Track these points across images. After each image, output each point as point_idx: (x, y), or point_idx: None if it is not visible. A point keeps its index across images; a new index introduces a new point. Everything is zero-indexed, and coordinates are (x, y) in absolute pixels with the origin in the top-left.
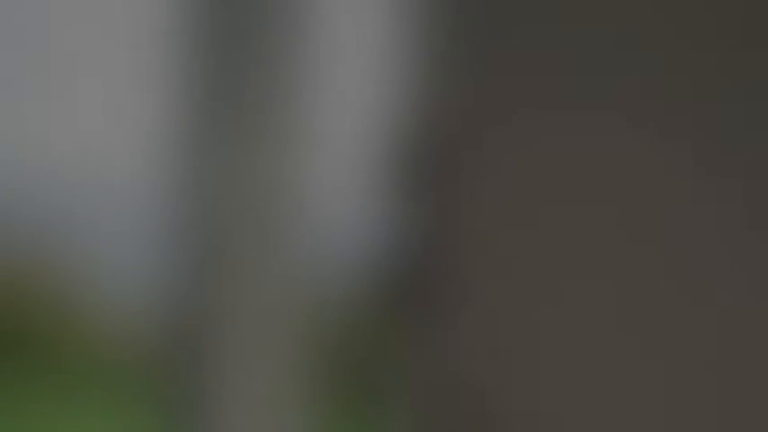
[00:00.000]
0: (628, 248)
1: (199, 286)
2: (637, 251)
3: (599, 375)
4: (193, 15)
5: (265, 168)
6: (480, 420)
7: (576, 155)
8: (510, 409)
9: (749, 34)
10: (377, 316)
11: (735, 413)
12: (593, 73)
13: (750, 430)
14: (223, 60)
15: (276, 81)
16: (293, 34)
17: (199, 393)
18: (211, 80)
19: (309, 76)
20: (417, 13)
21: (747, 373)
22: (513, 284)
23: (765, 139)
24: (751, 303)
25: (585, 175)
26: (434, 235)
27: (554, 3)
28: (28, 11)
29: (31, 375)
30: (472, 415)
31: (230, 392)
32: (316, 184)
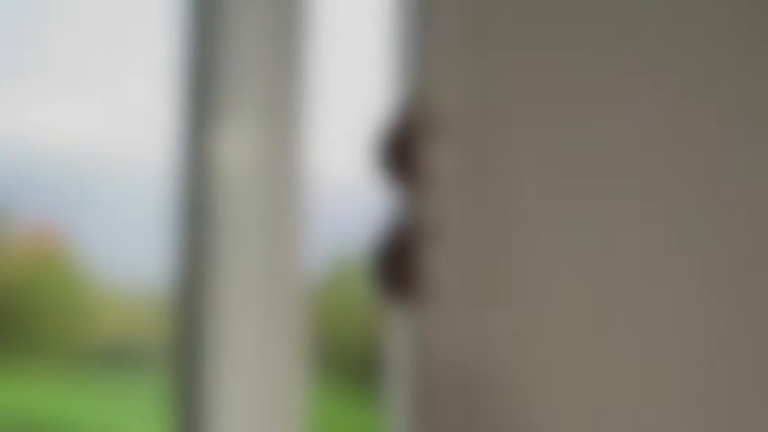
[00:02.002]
0: (615, 237)
1: (200, 270)
2: (626, 243)
3: (587, 352)
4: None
5: (265, 152)
6: (472, 401)
7: (565, 148)
8: (501, 391)
9: (748, 28)
10: (370, 298)
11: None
12: (584, 64)
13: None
14: (226, 51)
15: (278, 68)
16: (294, 19)
17: (200, 378)
18: (214, 69)
19: (309, 62)
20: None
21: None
22: (500, 268)
23: (763, 138)
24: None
25: (573, 169)
26: (418, 217)
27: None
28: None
29: (36, 359)
30: (463, 396)
31: (229, 374)
32: (314, 167)
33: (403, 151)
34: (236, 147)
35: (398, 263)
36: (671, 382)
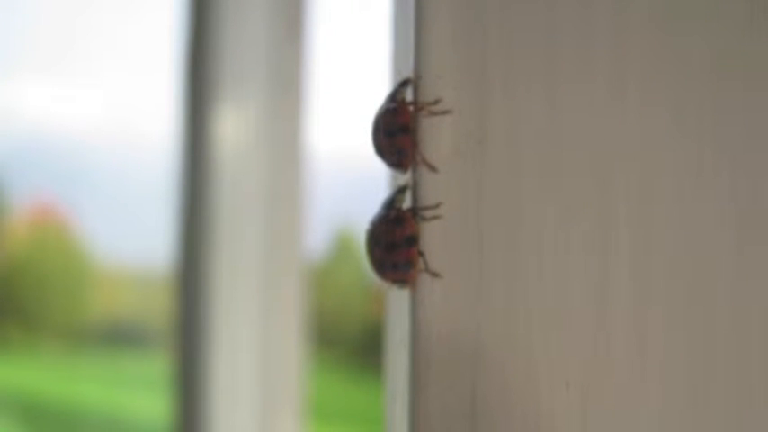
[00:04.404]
0: (609, 221)
1: (201, 249)
2: (619, 226)
3: (580, 334)
4: None
5: (265, 132)
6: (467, 378)
7: (564, 127)
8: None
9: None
10: (369, 276)
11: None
12: (576, 46)
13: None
14: (226, 31)
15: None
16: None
17: (200, 355)
18: (214, 50)
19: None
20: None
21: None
22: (497, 254)
23: (753, 122)
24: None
25: (571, 149)
26: (415, 197)
27: None
28: None
29: (37, 338)
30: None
31: (229, 351)
32: (314, 146)
33: (398, 134)
34: (237, 126)
35: (395, 243)
36: (665, 360)
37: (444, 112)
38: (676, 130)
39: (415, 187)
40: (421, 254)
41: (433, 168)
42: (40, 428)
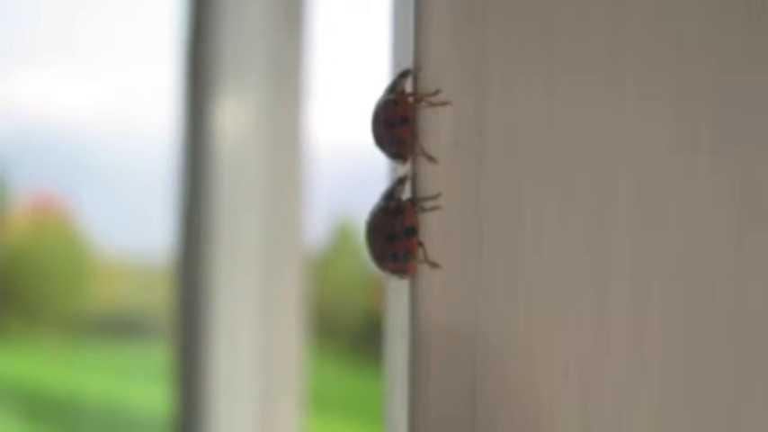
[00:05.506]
0: (608, 210)
1: (201, 239)
2: (617, 214)
3: (579, 325)
4: None
5: (266, 123)
6: (467, 369)
7: (563, 119)
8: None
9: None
10: (368, 267)
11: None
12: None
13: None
14: (227, 21)
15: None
16: None
17: (200, 346)
18: (215, 40)
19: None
20: None
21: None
22: (494, 244)
23: (750, 109)
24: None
25: (570, 141)
26: (414, 189)
27: None
28: None
29: (38, 329)
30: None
31: (229, 342)
32: (314, 136)
33: (398, 125)
34: (237, 117)
35: (394, 234)
36: (664, 350)
37: (444, 103)
38: (675, 124)
39: (414, 178)
40: (420, 245)
41: (432, 159)
42: (41, 419)
